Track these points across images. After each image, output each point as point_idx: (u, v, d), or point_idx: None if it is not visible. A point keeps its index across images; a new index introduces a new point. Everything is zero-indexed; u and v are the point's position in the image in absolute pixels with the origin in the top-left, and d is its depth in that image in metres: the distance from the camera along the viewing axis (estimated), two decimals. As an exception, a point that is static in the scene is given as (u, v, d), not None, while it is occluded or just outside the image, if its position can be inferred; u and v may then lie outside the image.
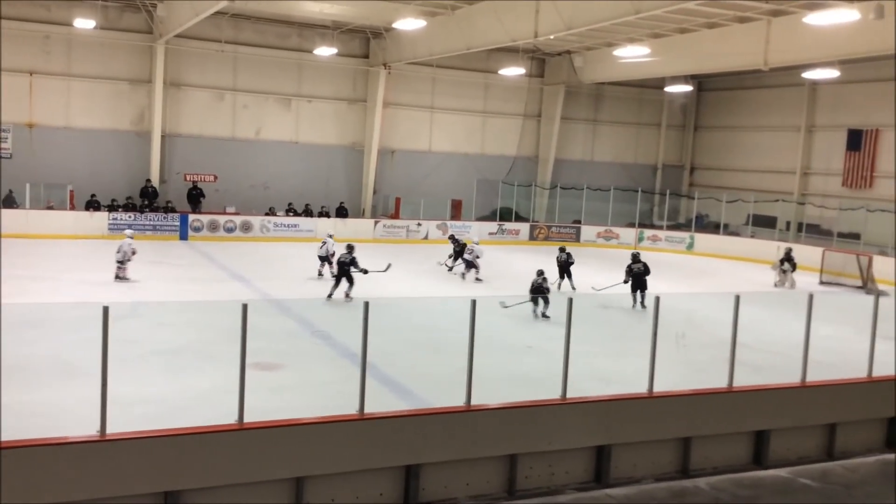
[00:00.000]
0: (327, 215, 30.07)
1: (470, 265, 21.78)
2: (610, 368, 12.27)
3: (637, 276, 18.72)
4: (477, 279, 21.50)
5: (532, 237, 32.34)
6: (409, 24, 23.76)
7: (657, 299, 9.62)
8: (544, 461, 8.90)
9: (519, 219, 33.72)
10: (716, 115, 36.98)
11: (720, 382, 9.83)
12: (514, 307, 15.74)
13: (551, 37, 23.18)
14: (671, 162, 38.09)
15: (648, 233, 32.89)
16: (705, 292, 21.46)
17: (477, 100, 33.97)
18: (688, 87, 33.80)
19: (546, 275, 17.36)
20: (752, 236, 31.22)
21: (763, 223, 31.55)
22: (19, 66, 26.46)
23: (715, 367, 10.50)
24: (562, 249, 21.08)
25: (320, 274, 20.78)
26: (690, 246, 31.91)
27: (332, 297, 17.58)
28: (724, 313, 10.06)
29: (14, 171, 26.37)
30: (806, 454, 10.20)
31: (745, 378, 10.07)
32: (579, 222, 33.63)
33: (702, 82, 36.46)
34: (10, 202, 26.13)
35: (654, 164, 37.90)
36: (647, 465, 9.39)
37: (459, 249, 22.91)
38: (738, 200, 32.47)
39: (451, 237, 25.19)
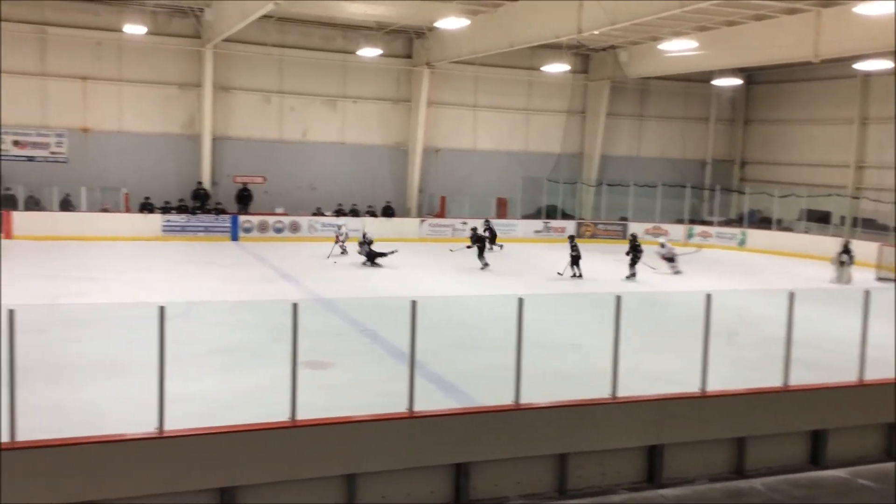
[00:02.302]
0: (374, 215, 30.24)
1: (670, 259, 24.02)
2: (655, 366, 12.12)
3: (576, 257, 22.55)
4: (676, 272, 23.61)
5: (578, 235, 32.09)
6: (451, 23, 23.75)
7: (708, 297, 9.46)
8: (595, 460, 8.84)
9: (565, 216, 33.49)
10: (766, 109, 36.25)
11: (773, 381, 9.64)
12: None
13: (595, 32, 22.96)
14: (720, 156, 37.46)
15: (698, 229, 32.44)
16: (757, 289, 21.10)
17: (520, 97, 33.85)
18: (736, 81, 33.15)
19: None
20: (807, 232, 30.58)
21: (817, 218, 30.88)
22: (72, 71, 27.23)
23: (767, 364, 10.30)
24: (570, 238, 23.29)
25: (343, 252, 24.62)
26: (742, 242, 31.36)
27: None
28: (776, 310, 9.86)
29: (70, 174, 27.16)
30: (865, 454, 9.97)
31: (800, 376, 9.86)
32: (626, 219, 33.28)
33: (751, 75, 35.77)
34: (66, 205, 26.86)
35: (702, 158, 37.32)
36: (701, 466, 9.26)
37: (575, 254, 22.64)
38: (791, 195, 31.76)
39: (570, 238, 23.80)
